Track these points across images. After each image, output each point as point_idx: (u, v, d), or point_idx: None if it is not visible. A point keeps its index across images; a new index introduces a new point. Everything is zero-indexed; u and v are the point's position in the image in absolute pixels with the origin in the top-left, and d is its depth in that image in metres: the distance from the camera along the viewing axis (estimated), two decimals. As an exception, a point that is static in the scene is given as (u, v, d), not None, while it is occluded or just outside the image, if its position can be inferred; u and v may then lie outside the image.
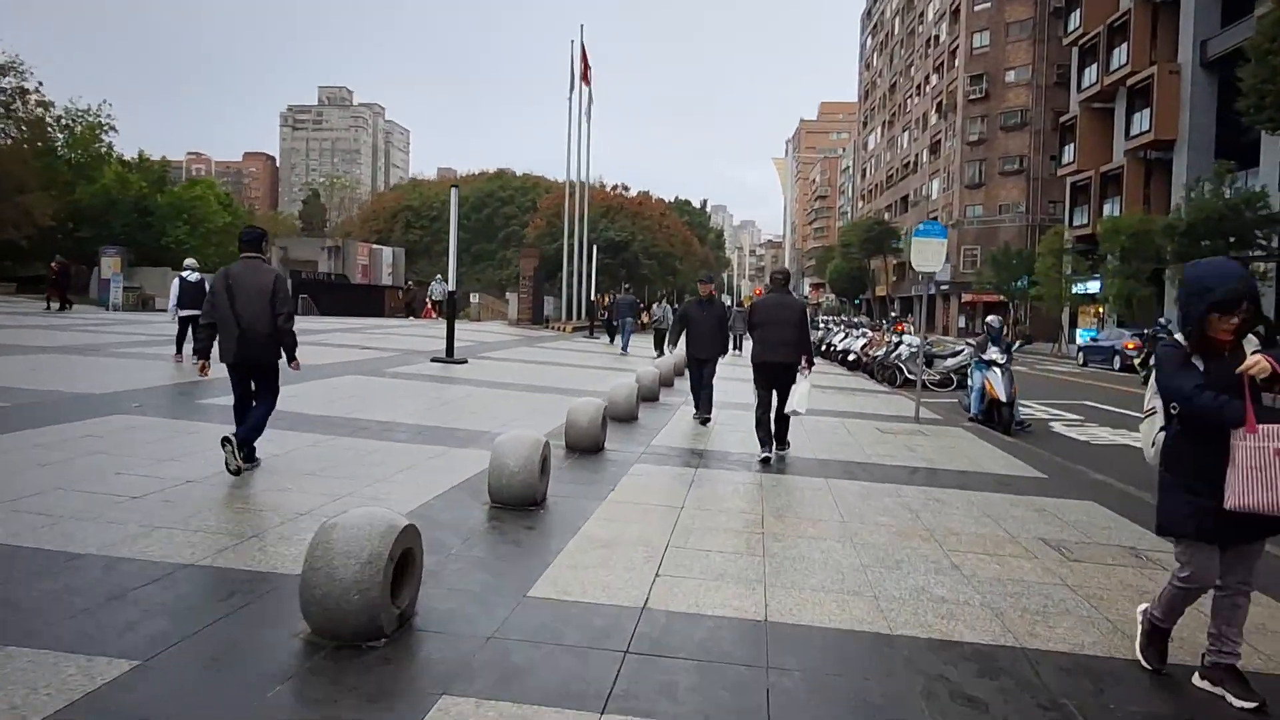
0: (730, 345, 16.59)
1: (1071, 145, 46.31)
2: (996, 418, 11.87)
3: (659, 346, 19.56)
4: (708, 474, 7.24)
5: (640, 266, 43.37)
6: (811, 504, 6.34)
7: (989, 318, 12.69)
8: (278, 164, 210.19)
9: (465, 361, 15.57)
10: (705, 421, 10.10)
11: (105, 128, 38.76)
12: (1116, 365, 27.05)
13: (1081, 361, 30.58)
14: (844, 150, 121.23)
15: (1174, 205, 29.54)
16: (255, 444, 6.11)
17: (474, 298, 34.99)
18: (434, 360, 15.25)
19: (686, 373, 11.53)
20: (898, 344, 20.33)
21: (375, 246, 66.68)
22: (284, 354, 6.18)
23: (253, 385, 6.23)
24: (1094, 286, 41.77)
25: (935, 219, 67.91)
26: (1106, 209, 42.19)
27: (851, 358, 24.18)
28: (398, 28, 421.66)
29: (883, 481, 7.32)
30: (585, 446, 7.69)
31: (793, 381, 8.06)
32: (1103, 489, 7.66)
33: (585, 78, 37.01)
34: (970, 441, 10.32)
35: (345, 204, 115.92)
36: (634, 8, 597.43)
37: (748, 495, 6.52)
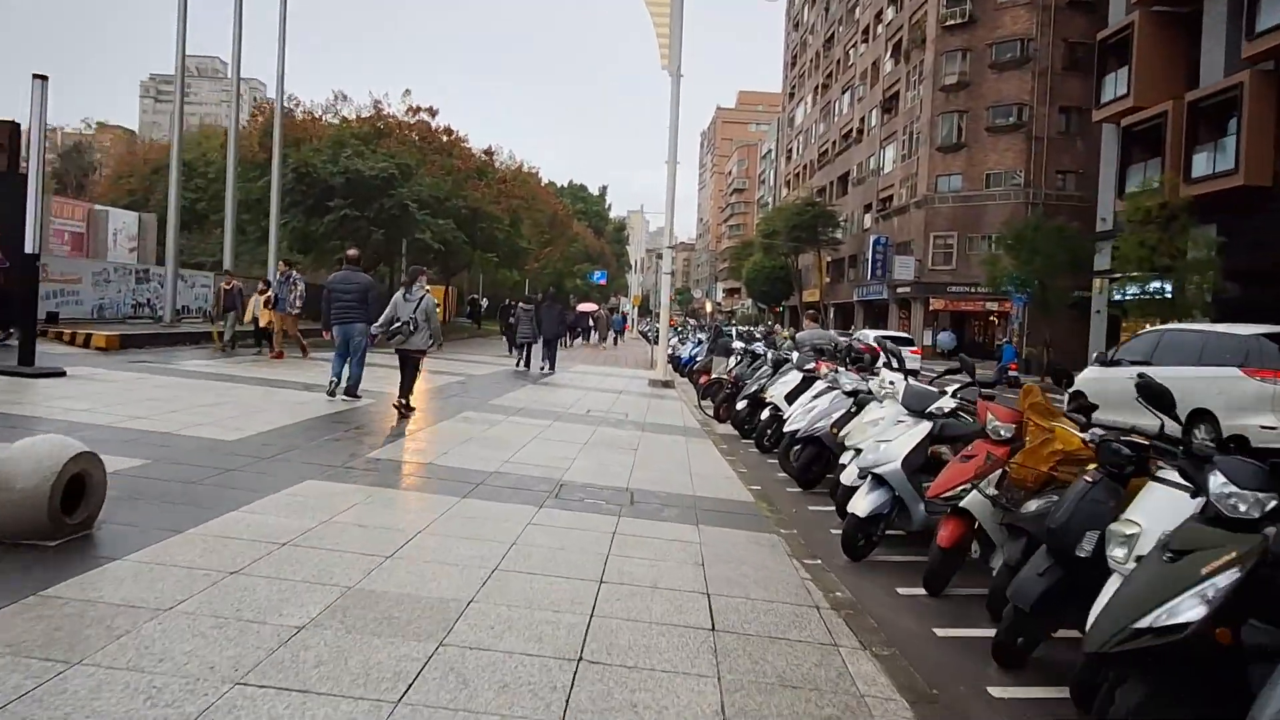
0: None
1: (1122, 72, 29.72)
2: None
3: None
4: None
5: (411, 226, 24.34)
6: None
7: None
8: (137, 138, 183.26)
9: None
10: None
11: None
12: None
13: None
14: (763, 141, 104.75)
15: None
16: None
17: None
18: None
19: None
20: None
21: (100, 208, 45.72)
22: None
23: None
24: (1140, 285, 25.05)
25: (889, 198, 51.23)
26: (1198, 163, 25.61)
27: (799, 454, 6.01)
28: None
29: None
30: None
31: None
32: None
33: None
34: None
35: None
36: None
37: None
